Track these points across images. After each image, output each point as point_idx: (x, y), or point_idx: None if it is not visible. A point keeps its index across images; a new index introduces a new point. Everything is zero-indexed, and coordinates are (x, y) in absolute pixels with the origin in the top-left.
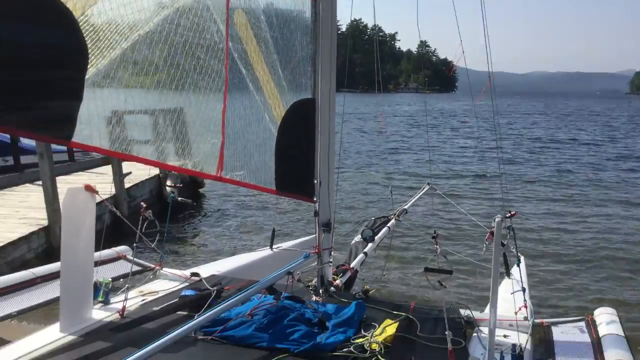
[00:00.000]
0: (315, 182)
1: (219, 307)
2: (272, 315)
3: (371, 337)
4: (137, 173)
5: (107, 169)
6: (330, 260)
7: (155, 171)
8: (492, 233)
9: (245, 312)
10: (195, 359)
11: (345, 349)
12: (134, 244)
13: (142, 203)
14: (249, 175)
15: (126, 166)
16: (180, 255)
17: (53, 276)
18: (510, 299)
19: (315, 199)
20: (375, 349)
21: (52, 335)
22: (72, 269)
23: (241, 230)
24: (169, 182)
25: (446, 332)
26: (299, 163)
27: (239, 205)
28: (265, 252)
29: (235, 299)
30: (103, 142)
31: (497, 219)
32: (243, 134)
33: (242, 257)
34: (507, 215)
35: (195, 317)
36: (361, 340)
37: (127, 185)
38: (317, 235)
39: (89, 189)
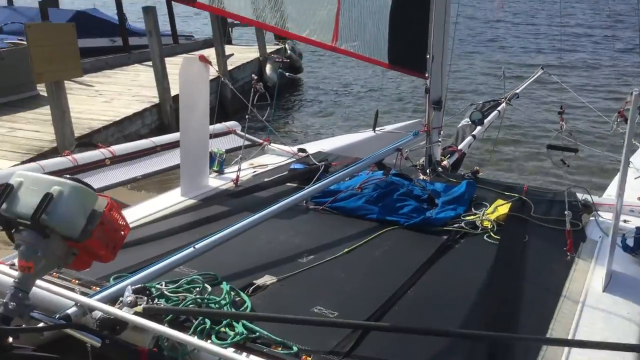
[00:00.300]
0: (428, 57)
1: (330, 179)
2: (381, 190)
3: (483, 215)
4: (239, 56)
5: (210, 52)
6: (439, 139)
7: (255, 54)
8: (622, 111)
9: (354, 186)
10: (307, 226)
11: (456, 225)
12: (247, 116)
13: (253, 75)
14: (363, 47)
15: (229, 49)
16: (284, 134)
17: (170, 146)
18: (632, 184)
19: (427, 75)
20: (487, 227)
21: (173, 199)
22: (190, 137)
23: (342, 113)
24: (268, 66)
25: (566, 212)
26: (412, 36)
27: (340, 90)
28: (368, 133)
29: (345, 171)
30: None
31: (634, 93)
32: (358, 1)
33: (345, 138)
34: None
35: (306, 188)
36: (472, 217)
37: (229, 68)
38: (426, 113)
39: (203, 59)
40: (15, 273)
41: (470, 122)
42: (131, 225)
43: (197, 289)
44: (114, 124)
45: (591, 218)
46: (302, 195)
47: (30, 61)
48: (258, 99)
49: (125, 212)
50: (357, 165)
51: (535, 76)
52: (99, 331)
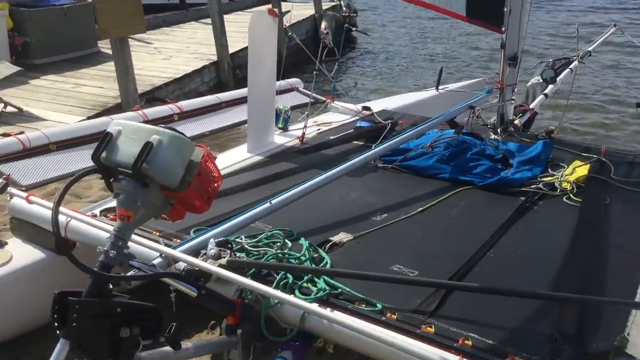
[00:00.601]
0: (505, 9)
1: (402, 136)
2: (453, 149)
3: (561, 177)
4: (293, 13)
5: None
6: (513, 97)
7: (310, 11)
8: None
9: (424, 144)
10: (377, 184)
11: (533, 186)
12: (314, 72)
13: (321, 29)
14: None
15: (285, 6)
16: (344, 92)
17: (235, 102)
18: None
19: (503, 29)
20: (566, 188)
21: (240, 155)
22: (258, 92)
23: (401, 71)
24: (323, 23)
25: None
26: None
27: (397, 48)
28: (431, 92)
29: (417, 129)
30: None
31: None
32: None
33: (408, 96)
34: None
35: (374, 146)
36: (550, 178)
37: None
38: (501, 69)
39: (272, 12)
40: (97, 222)
41: (541, 80)
42: None
43: (277, 244)
44: (174, 81)
45: None
46: (374, 153)
47: (96, 17)
48: (326, 54)
49: None
50: (429, 123)
51: (608, 33)
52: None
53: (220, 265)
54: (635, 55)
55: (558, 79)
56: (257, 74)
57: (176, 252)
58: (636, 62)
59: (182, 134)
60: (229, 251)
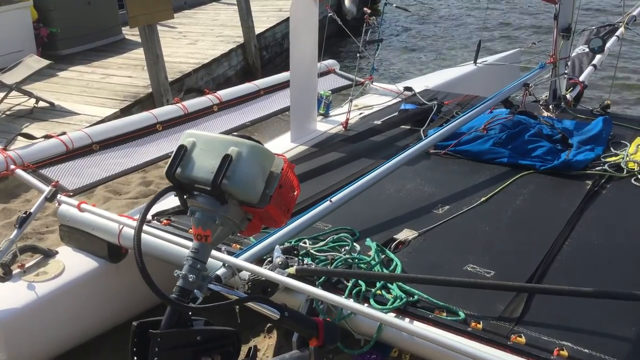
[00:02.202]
0: None
1: (457, 120)
2: (509, 130)
3: (627, 156)
4: None
5: None
6: (566, 71)
7: None
8: None
9: (478, 126)
10: (431, 172)
11: (598, 168)
12: (358, 54)
13: (365, 9)
14: None
15: None
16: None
17: (273, 88)
18: None
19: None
20: (633, 169)
21: (284, 145)
22: (300, 78)
23: (435, 46)
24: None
25: None
26: None
27: (429, 21)
28: (470, 66)
29: (472, 112)
30: None
31: None
32: None
33: (447, 72)
34: None
35: (423, 130)
36: (614, 158)
37: None
38: (554, 41)
39: None
40: (152, 229)
41: (587, 50)
42: None
43: (345, 247)
44: (203, 67)
45: None
46: (431, 140)
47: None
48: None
49: None
50: (483, 105)
51: None
52: (250, 292)
53: (290, 275)
54: None
55: (606, 47)
56: (299, 59)
57: (241, 262)
58: None
59: (259, 142)
60: (295, 258)
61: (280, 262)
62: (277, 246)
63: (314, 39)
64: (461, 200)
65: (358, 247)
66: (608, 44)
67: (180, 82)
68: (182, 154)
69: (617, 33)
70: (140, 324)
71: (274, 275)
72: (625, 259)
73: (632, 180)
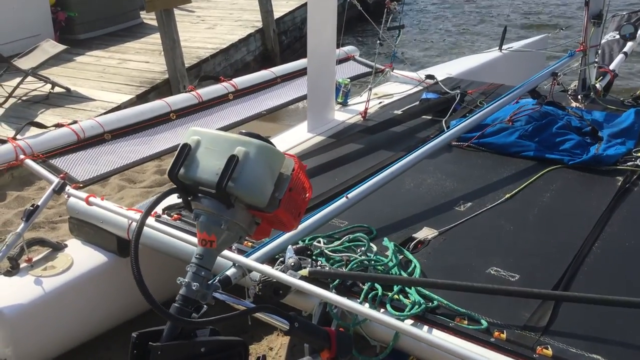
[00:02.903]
0: None
1: (482, 111)
2: (536, 122)
3: None
4: None
5: None
6: (596, 60)
7: None
8: None
9: (504, 118)
10: (453, 166)
11: (629, 163)
12: (378, 41)
13: None
14: None
15: None
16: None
17: (290, 76)
18: None
19: None
20: None
21: (301, 135)
22: (318, 65)
23: (464, 31)
24: None
25: None
26: None
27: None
28: (494, 53)
29: (497, 102)
30: None
31: None
32: None
33: (471, 59)
34: None
35: (453, 124)
36: None
37: None
38: (584, 28)
39: None
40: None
41: (617, 37)
42: None
43: (362, 247)
44: (220, 52)
45: None
46: (455, 132)
47: None
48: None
49: None
50: (509, 95)
51: None
52: (261, 295)
53: (302, 277)
54: None
55: (638, 34)
56: (317, 45)
57: (251, 262)
58: None
59: (268, 141)
60: (309, 259)
61: (292, 263)
62: (290, 246)
63: (332, 24)
64: (484, 197)
65: (375, 248)
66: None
67: (198, 68)
68: (186, 153)
69: None
70: (140, 334)
71: (286, 278)
72: None
73: None
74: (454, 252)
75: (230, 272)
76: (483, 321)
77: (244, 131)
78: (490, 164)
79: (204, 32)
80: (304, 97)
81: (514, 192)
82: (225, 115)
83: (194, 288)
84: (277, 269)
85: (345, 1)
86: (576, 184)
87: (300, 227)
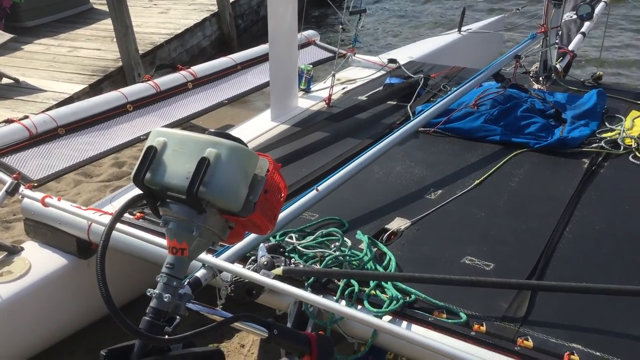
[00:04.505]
0: None
1: (448, 97)
2: (501, 106)
3: (623, 132)
4: None
5: None
6: (557, 41)
7: None
8: None
9: (469, 102)
10: (421, 153)
11: (594, 145)
12: (340, 26)
13: None
14: None
15: None
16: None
17: (250, 63)
18: None
19: None
20: (630, 145)
21: (264, 124)
22: (280, 51)
23: (424, 13)
24: None
25: None
26: None
27: None
28: (454, 35)
29: (462, 87)
30: None
31: None
32: None
33: (431, 42)
34: None
35: (418, 109)
36: (610, 134)
37: None
38: (544, 9)
39: None
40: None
41: (575, 17)
42: None
43: (336, 242)
44: (175, 38)
45: None
46: (422, 119)
47: None
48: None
49: None
50: (473, 80)
51: None
52: (234, 296)
53: (276, 277)
54: None
55: (595, 13)
56: (277, 30)
57: (222, 262)
58: None
59: (241, 140)
60: (282, 257)
61: (265, 262)
62: (262, 244)
63: (293, 8)
64: (454, 184)
65: (349, 242)
66: (597, 10)
67: (152, 55)
68: (152, 156)
69: None
70: (109, 352)
71: (259, 277)
72: (628, 246)
73: (630, 158)
74: (427, 243)
75: (200, 273)
76: (462, 314)
77: (212, 130)
78: (457, 150)
79: (158, 17)
80: (266, 85)
81: (482, 177)
82: (185, 105)
83: (165, 300)
84: (249, 269)
85: None
86: (543, 168)
87: None
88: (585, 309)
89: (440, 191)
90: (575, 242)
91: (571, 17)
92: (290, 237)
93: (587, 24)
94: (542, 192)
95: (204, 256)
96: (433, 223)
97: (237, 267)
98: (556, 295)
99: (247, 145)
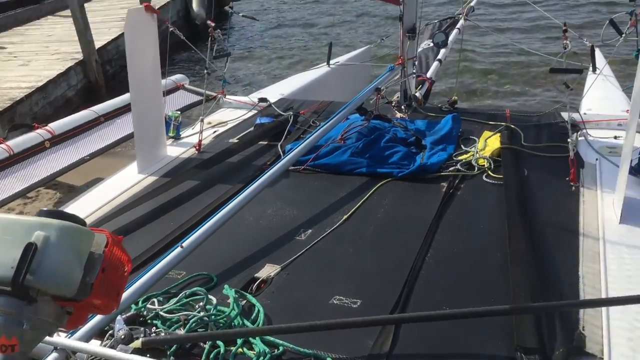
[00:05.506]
0: None
1: (315, 134)
2: (366, 138)
3: (476, 153)
4: None
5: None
6: (414, 71)
7: None
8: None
9: (336, 137)
10: (292, 193)
11: (451, 168)
12: (205, 70)
13: (209, 22)
14: None
15: None
16: (233, 81)
17: (115, 113)
18: (615, 97)
19: (400, 0)
20: (483, 165)
21: (131, 178)
22: (143, 100)
23: (287, 49)
24: (194, 1)
25: (569, 140)
26: None
27: (277, 23)
28: (323, 69)
29: (328, 123)
30: None
31: None
32: None
33: (301, 77)
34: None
35: (288, 147)
36: (465, 156)
37: None
38: (400, 42)
39: (150, 9)
40: None
41: (432, 45)
42: (88, 220)
43: (201, 302)
44: (37, 90)
45: (581, 138)
46: (290, 158)
47: None
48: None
49: (78, 203)
50: (338, 115)
51: None
52: None
53: (135, 350)
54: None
55: (449, 40)
56: (139, 80)
57: (75, 342)
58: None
59: (75, 217)
60: (141, 328)
61: (123, 336)
62: (119, 317)
63: (154, 54)
64: (324, 221)
65: (214, 300)
66: (451, 37)
67: (12, 111)
68: None
69: (458, 25)
70: None
71: (116, 354)
72: (484, 264)
73: (484, 177)
74: (297, 287)
75: (50, 357)
76: (329, 358)
77: (45, 209)
78: (327, 186)
79: (18, 70)
80: (131, 136)
81: (350, 212)
82: (42, 166)
83: None
84: (106, 345)
85: (167, 28)
86: (406, 196)
87: (133, 287)
88: (446, 334)
89: (310, 231)
90: (436, 267)
91: (429, 44)
92: (153, 303)
93: (442, 50)
94: (406, 220)
95: (55, 338)
96: (302, 266)
97: (93, 346)
98: (418, 324)
99: (84, 221)
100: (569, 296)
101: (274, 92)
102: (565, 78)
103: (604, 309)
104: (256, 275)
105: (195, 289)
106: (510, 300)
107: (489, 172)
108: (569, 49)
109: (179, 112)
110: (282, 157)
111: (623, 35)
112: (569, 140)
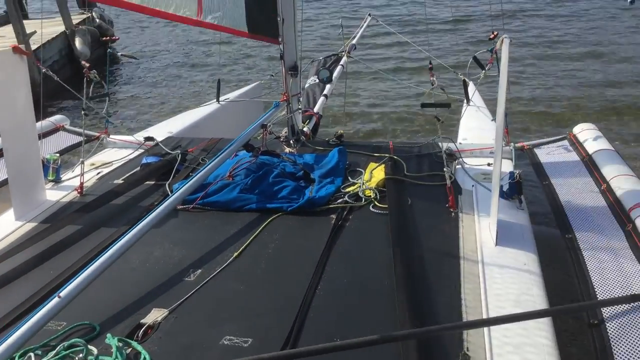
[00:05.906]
0: (279, 19)
1: (202, 172)
2: (254, 174)
3: (363, 185)
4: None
5: (8, 30)
6: (299, 107)
7: (60, 27)
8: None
9: (224, 174)
10: (181, 233)
11: (339, 200)
12: (83, 112)
13: (83, 63)
14: (225, 18)
15: (28, 26)
16: (118, 122)
17: None
18: (483, 126)
19: (280, 39)
20: (370, 196)
21: (7, 226)
22: (16, 144)
23: (175, 86)
24: (78, 39)
25: (444, 169)
26: (264, 1)
27: (164, 59)
28: (213, 106)
29: (215, 161)
30: None
31: (504, 38)
32: None
33: (190, 114)
34: (490, 37)
35: (176, 186)
36: (352, 188)
37: (32, 47)
38: (284, 80)
39: (18, 50)
40: None
41: (317, 81)
42: None
43: (80, 354)
44: None
45: (457, 167)
46: (176, 198)
47: None
48: (89, 87)
49: None
50: (225, 152)
51: (365, 24)
52: None
53: None
54: (393, 39)
55: (333, 77)
56: (10, 123)
57: None
58: (391, 43)
59: None
60: None
61: None
62: None
63: (26, 97)
64: (213, 260)
65: (95, 350)
66: (335, 74)
67: None
68: None
69: (341, 62)
70: None
71: None
72: (372, 292)
73: (371, 208)
74: (185, 330)
75: None
76: None
77: None
78: (217, 224)
79: None
80: (5, 182)
81: (241, 249)
82: None
83: None
84: None
85: (40, 71)
86: (296, 230)
87: (8, 342)
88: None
89: (199, 270)
90: (327, 299)
91: (315, 80)
92: (30, 358)
93: (328, 86)
94: (297, 254)
95: None
96: (192, 307)
97: None
98: (309, 358)
99: None
100: (453, 318)
101: (162, 131)
102: (436, 112)
103: (485, 328)
104: (142, 321)
105: (73, 340)
106: (397, 327)
107: (375, 202)
108: (436, 85)
109: (58, 155)
110: (169, 196)
111: (483, 71)
112: (444, 169)
